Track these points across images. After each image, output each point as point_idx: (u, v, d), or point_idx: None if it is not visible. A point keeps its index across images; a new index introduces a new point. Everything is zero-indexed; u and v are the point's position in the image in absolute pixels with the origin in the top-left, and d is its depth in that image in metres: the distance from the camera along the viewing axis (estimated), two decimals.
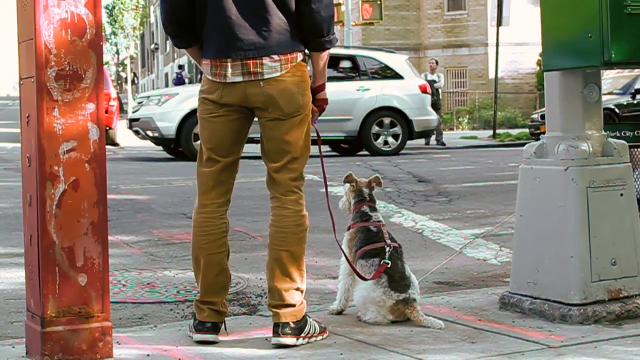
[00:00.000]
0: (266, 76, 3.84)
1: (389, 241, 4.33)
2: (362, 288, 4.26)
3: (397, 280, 4.22)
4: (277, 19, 3.84)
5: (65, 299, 3.49)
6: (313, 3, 3.84)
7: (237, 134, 3.98)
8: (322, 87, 4.09)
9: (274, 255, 3.95)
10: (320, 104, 4.11)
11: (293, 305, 3.91)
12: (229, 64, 3.86)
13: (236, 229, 7.84)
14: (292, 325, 3.89)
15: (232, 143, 3.98)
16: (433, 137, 22.27)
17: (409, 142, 19.08)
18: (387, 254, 4.26)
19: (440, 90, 23.48)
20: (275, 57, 3.85)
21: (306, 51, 3.95)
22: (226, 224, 4.04)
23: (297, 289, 3.95)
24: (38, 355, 3.49)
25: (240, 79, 3.85)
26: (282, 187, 3.99)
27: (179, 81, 46.36)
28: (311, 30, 3.89)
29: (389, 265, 4.22)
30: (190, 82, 45.41)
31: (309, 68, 4.01)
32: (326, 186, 4.25)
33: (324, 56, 4.01)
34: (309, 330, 3.94)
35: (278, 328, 3.89)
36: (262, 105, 3.88)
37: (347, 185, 4.57)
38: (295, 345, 3.86)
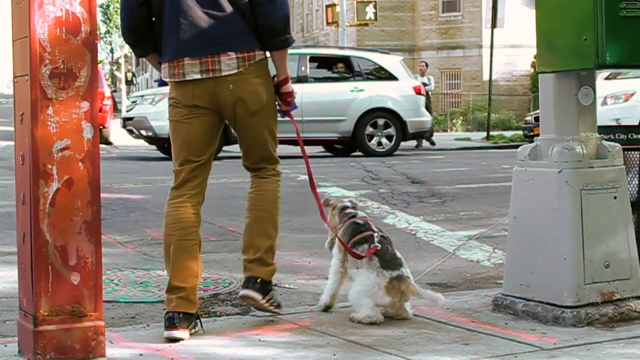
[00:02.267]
0: (224, 73, 4.04)
1: (376, 230, 4.45)
2: (357, 283, 4.32)
3: (388, 259, 4.30)
4: (234, 19, 4.04)
5: (58, 298, 3.48)
6: (268, 4, 4.04)
7: (210, 134, 4.17)
8: (285, 81, 4.29)
9: (255, 214, 4.26)
10: (285, 97, 4.33)
11: (267, 265, 4.20)
12: (186, 62, 4.05)
13: (229, 229, 7.84)
14: (260, 282, 4.18)
15: (206, 143, 4.17)
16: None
17: (403, 144, 19.09)
18: (375, 239, 4.36)
19: (430, 93, 23.39)
20: (232, 54, 4.04)
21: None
22: (198, 215, 4.17)
23: (272, 247, 4.24)
24: (30, 354, 3.48)
25: (198, 76, 4.05)
26: (261, 173, 4.33)
27: (163, 82, 46.50)
28: (268, 30, 4.09)
29: (379, 248, 4.31)
30: None
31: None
32: (310, 173, 4.46)
33: (284, 53, 4.21)
34: (272, 297, 4.26)
35: (249, 282, 4.18)
36: (231, 105, 4.11)
37: (329, 209, 4.67)
38: (259, 301, 4.20)
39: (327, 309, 4.49)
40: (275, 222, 4.29)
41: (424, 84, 21.86)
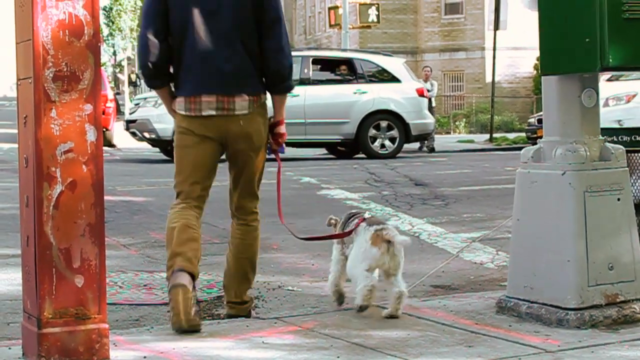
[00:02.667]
0: (237, 112, 4.43)
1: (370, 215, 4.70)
2: (351, 254, 4.56)
3: (375, 221, 4.55)
4: (247, 65, 4.45)
5: (62, 301, 3.49)
6: (277, 51, 4.46)
7: (215, 159, 4.54)
8: (281, 123, 4.64)
9: (239, 263, 4.61)
10: (277, 137, 4.64)
11: (245, 303, 4.63)
12: (203, 100, 4.41)
13: None
14: (240, 301, 4.61)
15: (212, 167, 4.54)
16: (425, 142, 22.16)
17: (406, 146, 19.09)
18: (365, 214, 4.66)
19: (433, 99, 22.86)
20: (245, 96, 4.44)
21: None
22: (198, 219, 4.49)
23: (249, 287, 4.67)
24: (34, 356, 3.48)
25: (213, 112, 4.42)
26: (246, 211, 4.62)
27: None
28: (276, 76, 4.51)
29: (365, 217, 4.60)
30: None
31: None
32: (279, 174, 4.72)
33: (285, 98, 4.62)
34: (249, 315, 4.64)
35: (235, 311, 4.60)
36: (238, 140, 4.47)
37: (331, 227, 4.92)
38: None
39: (340, 299, 4.69)
40: (254, 265, 4.65)
41: (427, 90, 21.51)
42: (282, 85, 4.54)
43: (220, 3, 4.39)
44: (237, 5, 4.40)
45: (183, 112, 4.45)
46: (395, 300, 4.38)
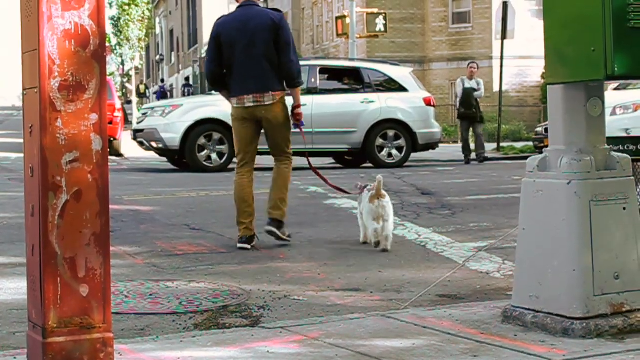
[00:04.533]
0: (266, 103, 7.47)
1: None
2: (363, 215, 7.48)
3: (371, 188, 7.37)
4: (270, 73, 7.47)
5: (67, 310, 3.49)
6: (288, 63, 7.48)
7: (252, 134, 7.61)
8: (298, 106, 7.80)
9: (275, 184, 7.58)
10: (296, 116, 7.82)
11: (280, 209, 7.50)
12: (245, 97, 7.49)
13: None
14: (278, 222, 7.48)
15: (251, 139, 7.62)
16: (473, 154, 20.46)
17: (413, 155, 19.08)
18: (369, 185, 7.52)
19: (479, 101, 20.49)
20: (270, 93, 7.47)
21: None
22: (252, 180, 7.57)
23: (283, 199, 7.53)
24: None
25: (252, 104, 7.48)
26: (278, 160, 7.68)
27: (161, 94, 47.41)
28: (289, 78, 7.57)
29: (367, 187, 7.53)
30: (190, 94, 46.72)
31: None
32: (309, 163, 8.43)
33: (298, 90, 7.71)
34: (284, 231, 7.54)
35: (271, 221, 7.47)
36: (264, 119, 7.54)
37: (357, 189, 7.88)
38: (276, 232, 7.47)
39: (376, 244, 7.29)
40: (286, 186, 7.60)
41: (473, 89, 20.05)
42: (293, 82, 7.59)
43: (253, 39, 7.42)
44: (264, 40, 7.42)
45: (235, 105, 7.56)
46: (385, 240, 7.22)
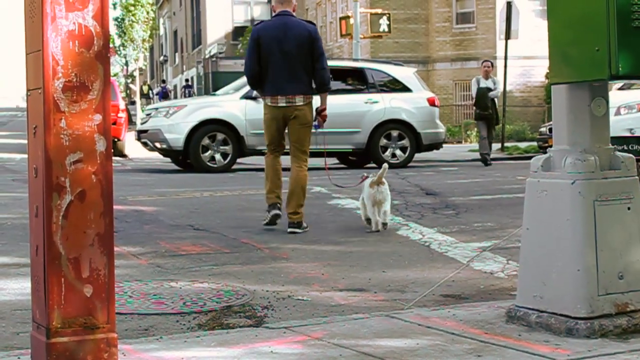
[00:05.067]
0: (297, 104, 8.49)
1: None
2: (365, 200, 8.52)
3: (372, 176, 8.50)
4: (303, 78, 8.53)
5: (71, 310, 3.49)
6: (321, 70, 8.54)
7: (281, 129, 8.63)
8: (324, 109, 8.79)
9: (291, 189, 8.48)
10: (322, 117, 8.82)
11: (299, 214, 8.39)
12: (279, 97, 8.51)
13: (242, 240, 7.85)
14: (296, 223, 8.38)
15: (280, 134, 8.62)
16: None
17: (417, 155, 19.07)
18: (371, 174, 8.65)
19: (497, 101, 19.56)
20: (301, 96, 8.51)
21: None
22: (279, 158, 8.65)
23: (300, 205, 8.43)
24: None
25: (284, 104, 8.50)
26: (297, 160, 8.59)
27: (163, 94, 47.69)
28: (320, 83, 8.60)
29: (367, 176, 8.65)
30: (191, 96, 47.21)
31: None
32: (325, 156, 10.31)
33: (326, 95, 8.71)
34: (304, 226, 8.44)
35: (292, 225, 8.37)
36: (291, 119, 8.56)
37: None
38: (298, 232, 8.33)
39: (368, 221, 8.50)
40: (304, 191, 8.52)
41: (488, 89, 19.08)
42: (324, 87, 8.64)
43: (291, 47, 8.46)
44: (300, 49, 8.48)
45: (269, 104, 8.58)
46: (382, 226, 8.39)
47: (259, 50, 8.48)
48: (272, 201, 8.44)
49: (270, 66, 8.45)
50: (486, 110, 19.09)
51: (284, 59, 8.43)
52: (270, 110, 8.53)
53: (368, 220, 8.43)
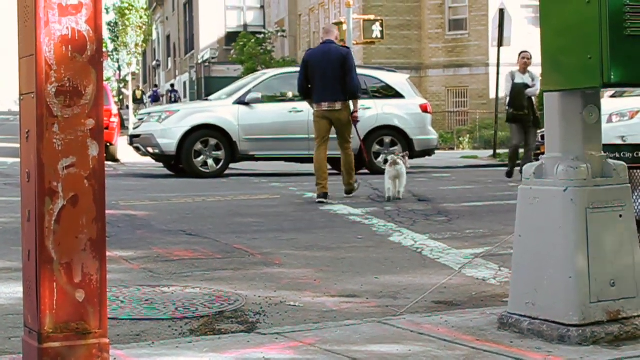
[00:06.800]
0: (337, 108, 11.82)
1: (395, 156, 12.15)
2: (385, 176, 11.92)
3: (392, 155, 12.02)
4: (340, 87, 11.80)
5: (63, 315, 3.49)
6: (351, 82, 11.85)
7: (327, 128, 11.95)
8: (356, 111, 12.17)
9: (344, 167, 12.03)
10: (354, 118, 12.14)
11: (351, 184, 12.11)
12: (323, 104, 11.84)
13: (235, 246, 7.84)
14: (349, 191, 12.15)
15: (326, 130, 11.91)
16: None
17: (409, 161, 19.02)
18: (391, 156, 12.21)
19: (534, 99, 15.67)
20: (340, 103, 11.85)
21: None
22: (326, 155, 11.90)
23: (352, 177, 12.07)
24: None
25: (327, 108, 11.81)
26: (343, 147, 12.00)
27: (155, 98, 47.92)
28: (351, 92, 11.92)
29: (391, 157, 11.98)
30: (176, 100, 47.82)
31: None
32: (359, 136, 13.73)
33: (357, 100, 12.16)
34: (356, 189, 12.25)
35: (348, 192, 12.15)
36: (334, 119, 11.92)
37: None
38: (352, 193, 12.23)
39: (389, 200, 11.70)
40: (352, 168, 12.03)
41: (525, 85, 15.47)
42: (355, 95, 11.97)
43: (330, 66, 11.73)
44: (336, 67, 11.74)
45: (316, 109, 11.85)
46: (398, 194, 11.81)
47: (306, 72, 11.92)
48: (319, 191, 11.63)
49: (316, 81, 11.80)
50: (521, 110, 15.37)
51: (326, 75, 11.75)
52: (317, 113, 11.94)
53: (386, 195, 11.84)
